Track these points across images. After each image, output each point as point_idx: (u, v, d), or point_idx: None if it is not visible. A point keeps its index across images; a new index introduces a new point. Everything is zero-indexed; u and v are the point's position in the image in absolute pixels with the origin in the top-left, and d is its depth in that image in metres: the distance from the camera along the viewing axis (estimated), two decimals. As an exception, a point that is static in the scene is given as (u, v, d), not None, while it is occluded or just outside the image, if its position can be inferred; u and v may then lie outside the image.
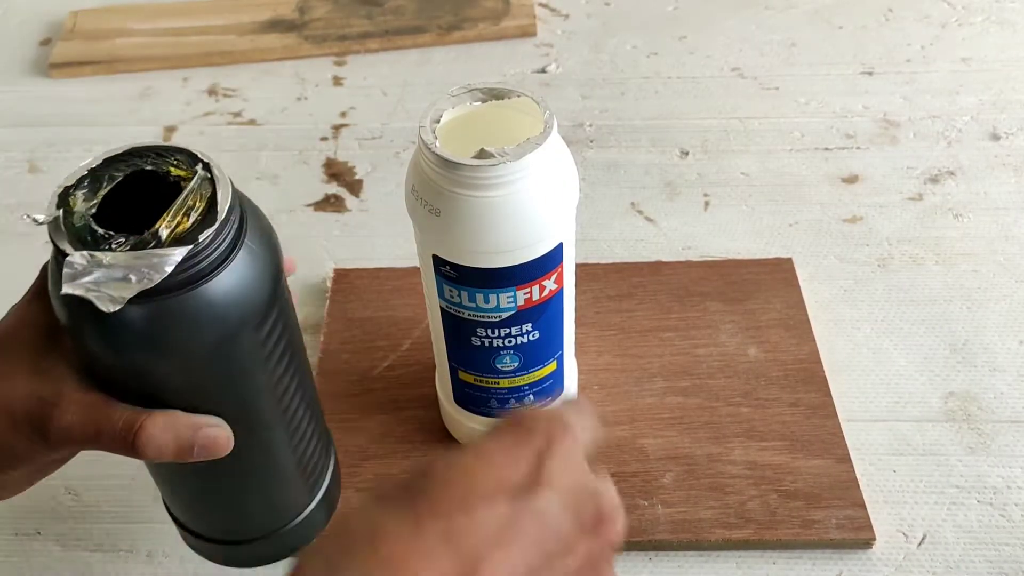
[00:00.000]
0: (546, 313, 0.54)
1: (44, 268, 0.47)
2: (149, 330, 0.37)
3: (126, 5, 1.05)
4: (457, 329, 0.54)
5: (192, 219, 0.38)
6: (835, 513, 0.58)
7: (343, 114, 0.91)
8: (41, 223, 0.40)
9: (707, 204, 0.80)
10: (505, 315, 0.52)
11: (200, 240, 0.37)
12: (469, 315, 0.53)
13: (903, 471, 0.61)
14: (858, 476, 0.60)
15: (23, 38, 1.03)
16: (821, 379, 0.65)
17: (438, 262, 0.53)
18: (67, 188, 0.40)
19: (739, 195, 0.81)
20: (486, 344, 0.54)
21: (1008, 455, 0.62)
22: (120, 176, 0.42)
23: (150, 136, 0.89)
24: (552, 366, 0.57)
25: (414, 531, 0.33)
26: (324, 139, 0.88)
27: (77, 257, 0.37)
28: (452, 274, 0.52)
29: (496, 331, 0.53)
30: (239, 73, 0.96)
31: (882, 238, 0.77)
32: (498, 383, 0.57)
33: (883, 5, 1.02)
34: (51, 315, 0.41)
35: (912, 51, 0.96)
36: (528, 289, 0.52)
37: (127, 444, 0.40)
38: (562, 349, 0.57)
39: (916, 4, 1.02)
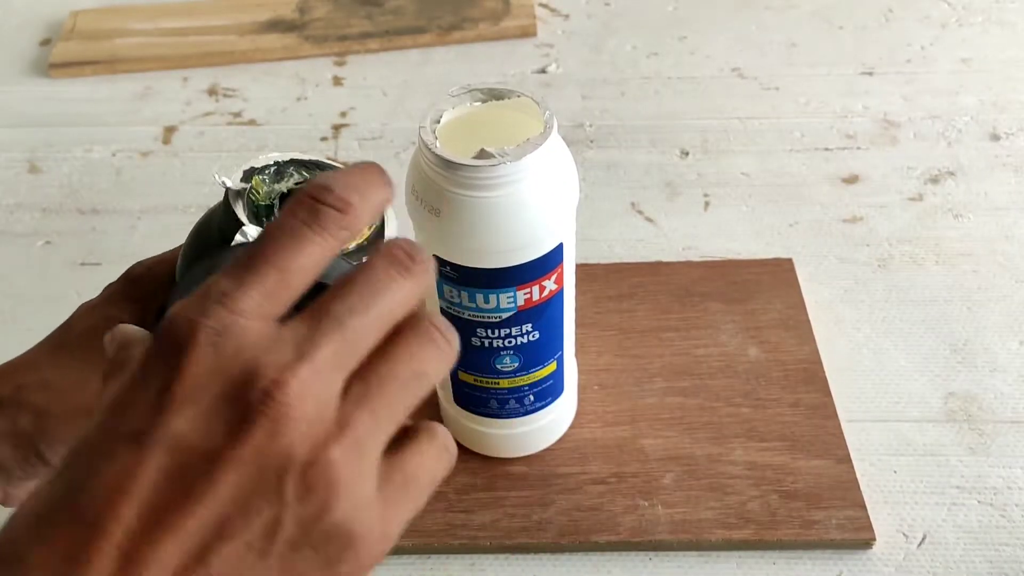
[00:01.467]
0: (546, 313, 0.54)
1: (129, 273, 0.47)
2: None
3: (126, 5, 1.05)
4: (457, 329, 0.54)
5: (366, 235, 0.41)
6: (835, 513, 0.58)
7: (343, 114, 0.91)
8: (229, 187, 0.41)
9: (707, 204, 0.80)
10: (505, 315, 0.52)
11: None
12: (469, 315, 0.53)
13: (903, 471, 0.61)
14: (858, 476, 0.60)
15: (23, 38, 1.03)
16: (821, 379, 0.65)
17: (438, 262, 0.53)
18: (254, 168, 0.42)
19: (739, 195, 0.81)
20: (486, 344, 0.54)
21: (1008, 455, 0.62)
22: (305, 176, 0.43)
23: (150, 136, 0.89)
24: (552, 366, 0.57)
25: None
26: (324, 139, 0.88)
27: (252, 230, 0.39)
28: (452, 274, 0.52)
29: (496, 331, 0.53)
30: (239, 73, 0.96)
31: (882, 238, 0.77)
32: (498, 383, 0.57)
33: (883, 5, 1.02)
34: (135, 316, 0.41)
35: (912, 51, 0.96)
36: (528, 289, 0.52)
37: None
38: (562, 349, 0.57)
39: (916, 4, 1.02)
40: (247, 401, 0.27)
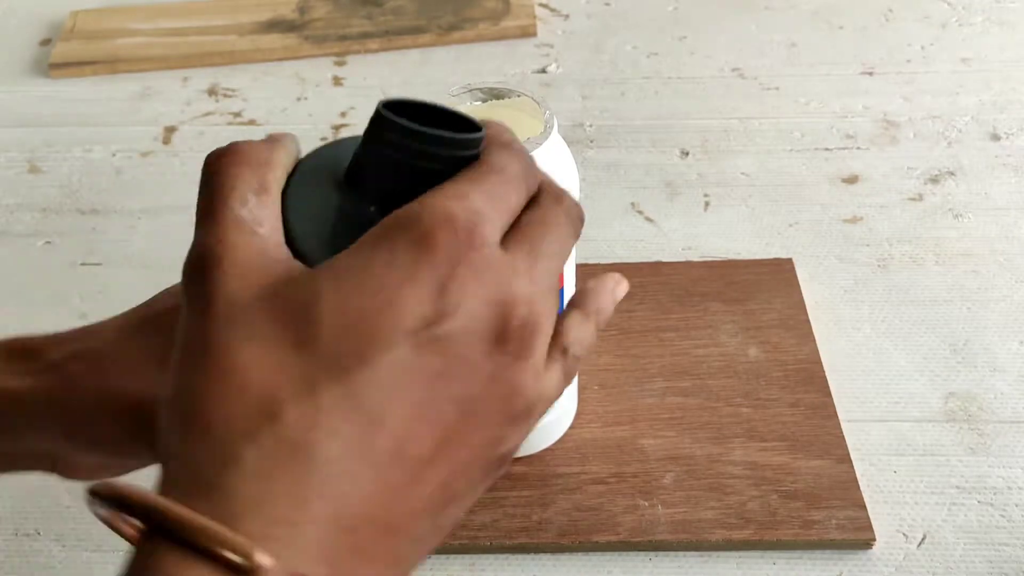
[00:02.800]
0: (546, 313, 0.53)
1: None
2: None
3: (126, 5, 1.05)
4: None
5: None
6: (835, 513, 0.58)
7: (343, 114, 0.91)
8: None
9: (707, 204, 0.80)
10: (505, 315, 0.52)
11: None
12: (469, 315, 0.53)
13: (903, 471, 0.61)
14: (858, 476, 0.60)
15: (23, 38, 1.03)
16: (821, 379, 0.65)
17: (438, 262, 0.53)
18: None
19: (739, 195, 0.81)
20: (486, 344, 0.54)
21: (1008, 455, 0.62)
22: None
23: (150, 136, 0.89)
24: (552, 366, 0.57)
25: (311, 400, 0.27)
26: (324, 139, 0.88)
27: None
28: (452, 274, 0.52)
29: (496, 331, 0.53)
30: (239, 73, 0.96)
31: (882, 238, 0.77)
32: (498, 383, 0.57)
33: (883, 5, 1.02)
34: None
35: (912, 51, 0.96)
36: (528, 289, 0.51)
37: None
38: (562, 349, 0.57)
39: (916, 4, 1.02)
40: (508, 328, 0.30)
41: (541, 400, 0.32)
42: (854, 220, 0.78)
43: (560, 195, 0.34)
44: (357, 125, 0.90)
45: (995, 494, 0.60)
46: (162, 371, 0.31)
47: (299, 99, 0.93)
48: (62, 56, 0.98)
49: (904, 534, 0.58)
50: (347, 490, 0.27)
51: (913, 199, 0.80)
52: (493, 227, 0.31)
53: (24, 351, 0.41)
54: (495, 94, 0.54)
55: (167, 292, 0.43)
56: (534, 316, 0.30)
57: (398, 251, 0.29)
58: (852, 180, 0.82)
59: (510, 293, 0.30)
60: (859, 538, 0.57)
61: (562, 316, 0.34)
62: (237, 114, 0.91)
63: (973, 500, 0.60)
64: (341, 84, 0.95)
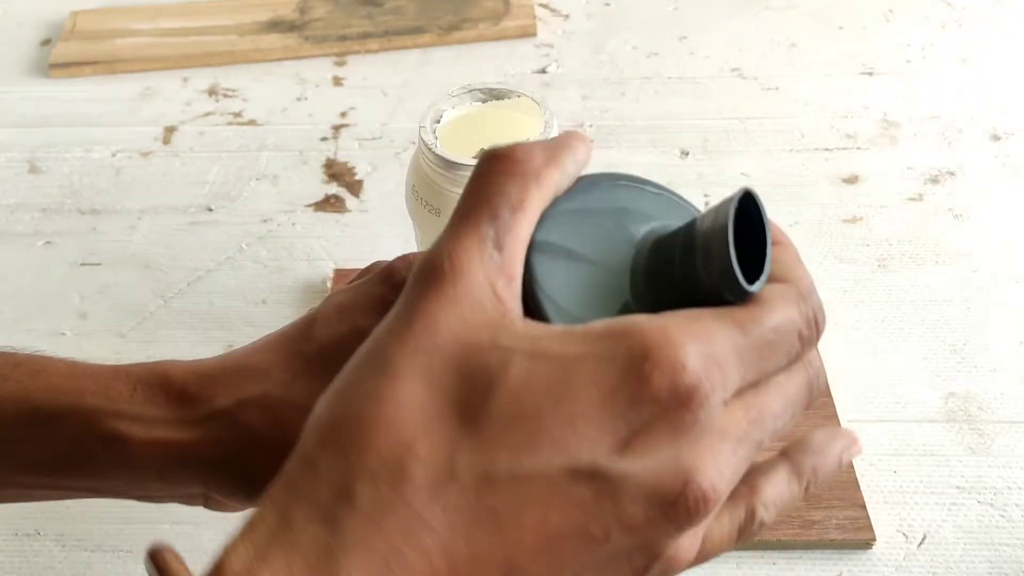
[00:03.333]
0: (546, 313, 0.53)
1: (389, 271, 0.39)
2: None
3: (126, 5, 1.05)
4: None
5: None
6: (835, 514, 0.58)
7: (343, 114, 0.91)
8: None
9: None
10: (505, 315, 0.52)
11: None
12: (469, 315, 0.53)
13: (903, 471, 0.61)
14: (858, 476, 0.60)
15: (23, 38, 1.03)
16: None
17: (438, 262, 0.53)
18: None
19: (739, 195, 0.81)
20: (486, 344, 0.54)
21: (1008, 455, 0.62)
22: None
23: (150, 136, 0.89)
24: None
25: (444, 474, 0.25)
26: (324, 139, 0.88)
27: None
28: (452, 274, 0.52)
29: (496, 331, 0.53)
30: (239, 73, 0.96)
31: (882, 238, 0.77)
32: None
33: (883, 5, 1.02)
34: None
35: (912, 51, 0.96)
36: (528, 289, 0.51)
37: None
38: (562, 349, 0.57)
39: (916, 4, 1.02)
40: (682, 499, 0.27)
41: (690, 564, 0.29)
42: (854, 220, 0.78)
43: (812, 361, 0.30)
44: (357, 125, 0.90)
45: (995, 494, 0.60)
46: None
47: (299, 99, 0.93)
48: (62, 56, 0.98)
49: (904, 534, 0.58)
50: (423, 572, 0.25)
51: (913, 199, 0.80)
52: (723, 392, 0.27)
53: (181, 395, 0.39)
54: (495, 94, 0.54)
55: (318, 319, 0.39)
56: (717, 493, 0.27)
57: (607, 368, 0.26)
58: (852, 180, 0.82)
59: (701, 465, 0.27)
60: (859, 538, 0.57)
61: (766, 467, 0.31)
62: (237, 114, 0.91)
63: (973, 500, 0.60)
64: (341, 84, 0.95)
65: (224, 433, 0.37)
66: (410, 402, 0.26)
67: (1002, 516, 0.59)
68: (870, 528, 0.58)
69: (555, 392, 0.26)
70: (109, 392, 0.40)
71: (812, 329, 0.29)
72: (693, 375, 0.26)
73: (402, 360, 0.27)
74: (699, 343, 0.26)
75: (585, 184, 0.32)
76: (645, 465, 0.26)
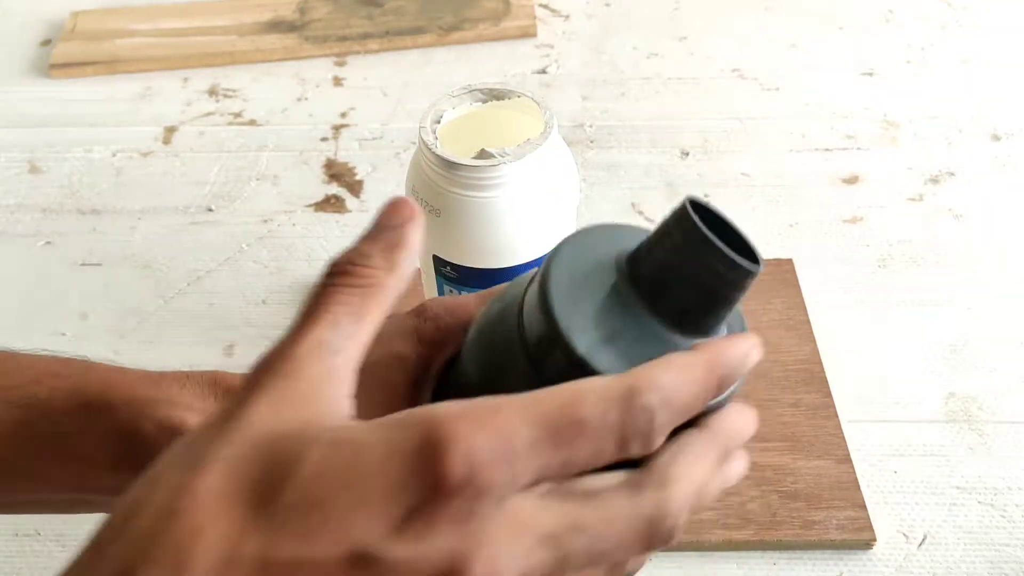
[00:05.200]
0: (546, 313, 0.53)
1: (424, 310, 0.39)
2: None
3: (126, 5, 1.05)
4: (457, 329, 0.54)
5: None
6: (836, 514, 0.58)
7: (343, 114, 0.91)
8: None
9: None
10: (505, 315, 0.52)
11: None
12: (469, 315, 0.53)
13: (903, 472, 0.61)
14: (858, 476, 0.60)
15: (23, 38, 1.03)
16: (821, 379, 0.65)
17: (438, 262, 0.53)
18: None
19: (739, 195, 0.81)
20: (486, 344, 0.54)
21: (1008, 455, 0.62)
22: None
23: (150, 137, 0.89)
24: (552, 366, 0.57)
25: (225, 560, 0.26)
26: (324, 139, 0.88)
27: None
28: (452, 274, 0.52)
29: (496, 331, 0.53)
30: (239, 73, 0.96)
31: (882, 238, 0.77)
32: (498, 383, 0.57)
33: (883, 5, 1.02)
34: (422, 359, 0.35)
35: (912, 51, 0.96)
36: (528, 289, 0.52)
37: None
38: (562, 349, 0.57)
39: (916, 4, 1.02)
40: None
41: None
42: (854, 220, 0.78)
43: (660, 489, 0.29)
44: (357, 125, 0.90)
45: (995, 494, 0.60)
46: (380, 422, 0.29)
47: (299, 99, 0.93)
48: (62, 56, 0.98)
49: (904, 534, 0.58)
50: None
51: (913, 199, 0.80)
52: (508, 482, 0.26)
53: (228, 392, 0.40)
54: (495, 94, 0.54)
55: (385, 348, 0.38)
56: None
57: (397, 455, 0.26)
58: (852, 180, 0.82)
59: (475, 553, 0.26)
60: (859, 538, 0.57)
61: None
62: (237, 114, 0.91)
63: (973, 500, 0.60)
64: (341, 84, 0.95)
65: None
66: (209, 492, 0.26)
67: (1002, 516, 0.59)
68: (870, 528, 0.58)
69: (345, 479, 0.26)
70: (160, 386, 0.41)
71: (636, 437, 0.28)
72: (471, 463, 0.26)
73: (212, 453, 0.27)
74: (486, 432, 0.26)
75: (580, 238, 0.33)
76: (419, 550, 0.26)
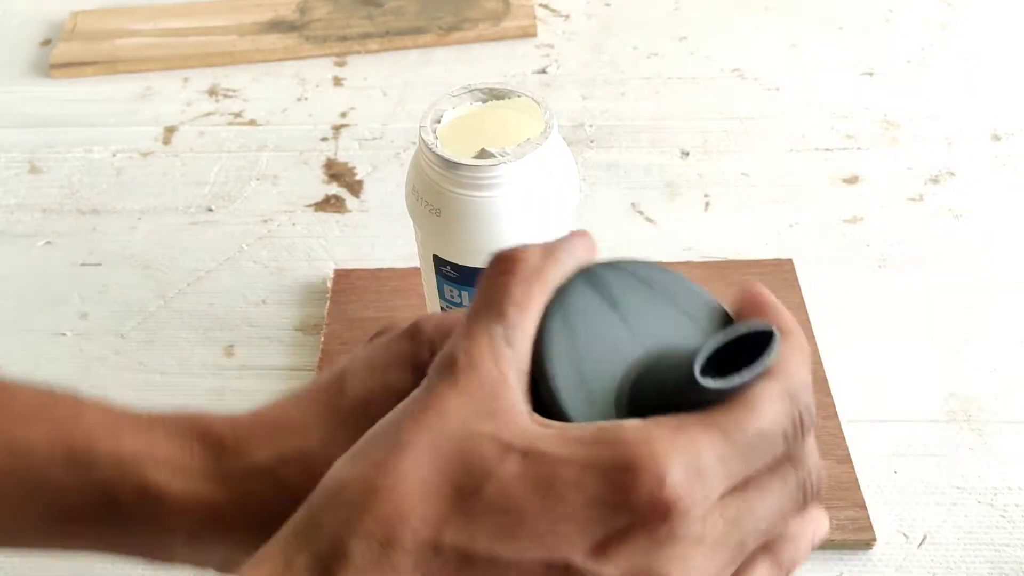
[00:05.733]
0: (546, 313, 0.53)
1: (415, 330, 0.38)
2: None
3: (126, 5, 1.05)
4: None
5: None
6: (836, 514, 0.58)
7: (343, 114, 0.91)
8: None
9: (707, 205, 0.80)
10: (505, 315, 0.52)
11: None
12: (469, 315, 0.53)
13: (903, 472, 0.61)
14: (858, 476, 0.60)
15: (23, 38, 1.03)
16: (821, 380, 0.65)
17: (439, 262, 0.53)
18: None
19: (739, 195, 0.81)
20: (486, 344, 0.54)
21: (1008, 455, 0.62)
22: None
23: (150, 137, 0.89)
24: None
25: (429, 554, 0.28)
26: (324, 139, 0.88)
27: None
28: (453, 274, 0.52)
29: (496, 331, 0.53)
30: (239, 73, 0.96)
31: (882, 238, 0.77)
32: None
33: (883, 5, 1.02)
34: (416, 382, 0.34)
35: (912, 51, 0.96)
36: (528, 289, 0.51)
37: None
38: (562, 349, 0.57)
39: (916, 4, 1.02)
40: None
41: None
42: (854, 220, 0.78)
43: (804, 459, 0.31)
44: (357, 125, 0.90)
45: (995, 494, 0.60)
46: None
47: (299, 99, 0.93)
48: (62, 56, 0.98)
49: (904, 534, 0.58)
50: None
51: (913, 199, 0.80)
52: (704, 504, 0.28)
53: (218, 447, 0.38)
54: (495, 94, 0.54)
55: (347, 374, 0.38)
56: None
57: (592, 474, 0.28)
58: (852, 180, 0.82)
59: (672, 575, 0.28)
60: (859, 538, 0.57)
61: (748, 564, 0.31)
62: (237, 114, 0.91)
63: (973, 500, 0.60)
64: (341, 84, 0.95)
65: (263, 491, 0.37)
66: (411, 476, 0.28)
67: (1002, 516, 0.59)
68: (870, 528, 0.58)
69: (541, 490, 0.28)
70: (149, 435, 0.39)
71: (798, 429, 0.30)
72: (673, 490, 0.27)
73: (411, 437, 0.29)
74: (682, 456, 0.28)
75: (599, 276, 0.34)
76: (618, 570, 0.28)
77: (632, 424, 0.29)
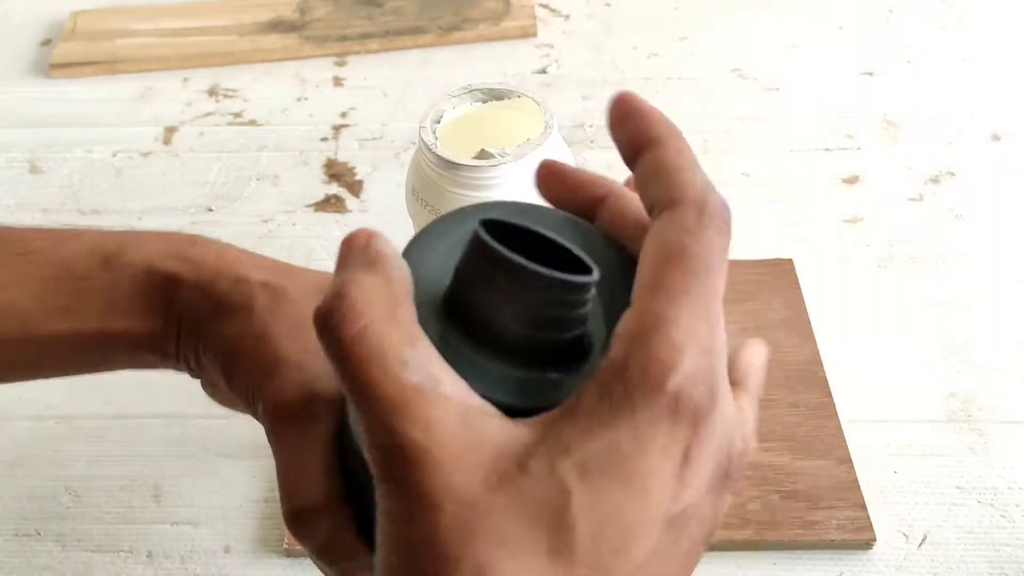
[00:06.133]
0: (546, 313, 0.53)
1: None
2: None
3: (126, 5, 1.05)
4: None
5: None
6: (836, 514, 0.58)
7: (343, 114, 0.91)
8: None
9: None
10: (505, 315, 0.52)
11: None
12: (469, 315, 0.53)
13: (904, 472, 0.61)
14: (858, 476, 0.60)
15: (23, 38, 1.03)
16: (822, 380, 0.65)
17: (438, 262, 0.53)
18: None
19: (739, 195, 0.81)
20: (486, 344, 0.54)
21: (1008, 455, 0.62)
22: None
23: (150, 137, 0.89)
24: (552, 366, 0.57)
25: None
26: (324, 139, 0.88)
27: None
28: (452, 274, 0.52)
29: (496, 331, 0.53)
30: (240, 73, 0.96)
31: (882, 238, 0.76)
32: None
33: (883, 5, 1.02)
34: None
35: (912, 51, 0.96)
36: (528, 289, 0.51)
37: None
38: (562, 349, 0.57)
39: (916, 4, 1.02)
40: (730, 469, 0.29)
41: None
42: (854, 220, 0.78)
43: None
44: (357, 125, 0.90)
45: (995, 494, 0.60)
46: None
47: (299, 99, 0.93)
48: (63, 56, 0.98)
49: (904, 534, 0.58)
50: None
51: (913, 199, 0.80)
52: (726, 371, 0.29)
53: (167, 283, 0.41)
54: (495, 94, 0.54)
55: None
56: (749, 450, 0.30)
57: (643, 425, 0.26)
58: (852, 180, 0.82)
59: (735, 438, 0.29)
60: (859, 538, 0.57)
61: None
62: (237, 114, 0.91)
63: (973, 500, 0.60)
64: (341, 84, 0.95)
65: (245, 308, 0.39)
66: (502, 572, 0.25)
67: (1002, 516, 0.59)
68: (870, 528, 0.58)
69: (615, 478, 0.26)
70: (171, 240, 0.43)
71: (719, 221, 0.32)
72: (705, 375, 0.27)
73: (461, 541, 0.25)
74: (689, 344, 0.27)
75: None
76: (706, 471, 0.28)
77: (626, 365, 0.26)
